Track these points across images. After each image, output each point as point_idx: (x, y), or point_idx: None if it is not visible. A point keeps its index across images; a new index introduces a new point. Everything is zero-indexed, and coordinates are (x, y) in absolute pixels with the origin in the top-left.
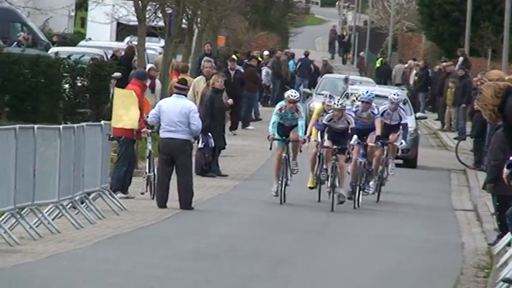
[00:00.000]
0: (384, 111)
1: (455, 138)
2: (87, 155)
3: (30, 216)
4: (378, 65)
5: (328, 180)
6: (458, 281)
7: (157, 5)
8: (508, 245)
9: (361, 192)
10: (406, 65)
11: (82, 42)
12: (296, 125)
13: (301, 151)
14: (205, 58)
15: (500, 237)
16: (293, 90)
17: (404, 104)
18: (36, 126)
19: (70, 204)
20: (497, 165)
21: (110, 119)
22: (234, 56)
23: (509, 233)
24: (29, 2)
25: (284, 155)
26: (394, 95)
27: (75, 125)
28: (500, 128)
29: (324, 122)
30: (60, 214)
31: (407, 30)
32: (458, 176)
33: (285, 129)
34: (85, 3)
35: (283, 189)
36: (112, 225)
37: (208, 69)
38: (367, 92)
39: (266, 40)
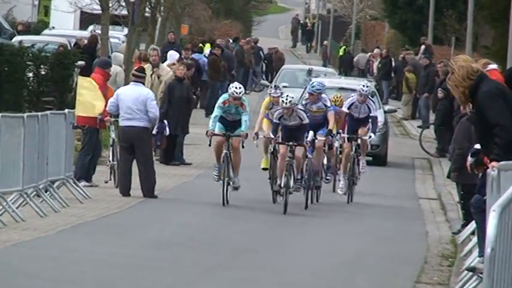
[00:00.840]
0: (351, 104)
1: (418, 127)
2: (51, 143)
3: None
4: (341, 53)
5: (282, 194)
6: (423, 269)
7: None
8: (473, 233)
9: (313, 190)
10: (368, 54)
11: (46, 31)
12: (240, 120)
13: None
14: (151, 46)
15: (464, 226)
16: (237, 86)
17: (372, 96)
18: (0, 114)
19: (34, 193)
20: (462, 153)
21: (73, 107)
22: (201, 45)
23: (473, 221)
24: None
25: (225, 151)
26: (364, 86)
27: (39, 114)
28: (464, 117)
29: (274, 120)
30: (25, 202)
31: (371, 18)
32: (422, 164)
33: (227, 123)
34: None
35: (225, 188)
36: (76, 213)
37: (154, 57)
38: (314, 82)
39: (229, 28)
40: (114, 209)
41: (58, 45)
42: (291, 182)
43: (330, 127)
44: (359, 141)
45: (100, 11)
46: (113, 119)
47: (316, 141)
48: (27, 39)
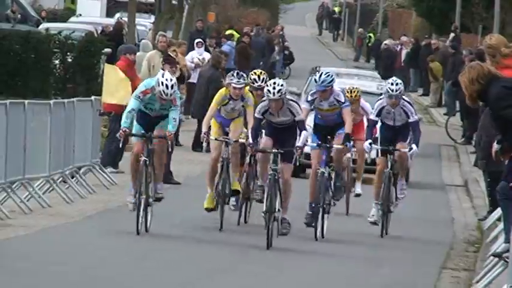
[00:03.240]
0: (380, 109)
1: (445, 114)
2: (78, 130)
3: (21, 190)
4: (371, 41)
5: (263, 201)
6: (449, 255)
7: None
8: (499, 220)
9: (325, 216)
10: (395, 42)
11: (72, 19)
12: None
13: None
14: (160, 32)
15: (490, 212)
16: (168, 84)
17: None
18: (26, 101)
19: (61, 179)
20: (490, 141)
21: (100, 94)
22: (230, 32)
23: (499, 208)
24: None
25: (144, 158)
26: (392, 84)
27: (65, 100)
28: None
29: (256, 115)
30: (51, 188)
31: (398, 6)
32: (448, 151)
33: (149, 120)
34: None
35: (141, 208)
36: (102, 199)
37: (162, 43)
38: (324, 73)
39: (256, 16)
40: None
41: (85, 33)
42: (277, 204)
43: (347, 130)
44: (396, 154)
45: None
46: None
47: (333, 149)
48: (54, 26)
